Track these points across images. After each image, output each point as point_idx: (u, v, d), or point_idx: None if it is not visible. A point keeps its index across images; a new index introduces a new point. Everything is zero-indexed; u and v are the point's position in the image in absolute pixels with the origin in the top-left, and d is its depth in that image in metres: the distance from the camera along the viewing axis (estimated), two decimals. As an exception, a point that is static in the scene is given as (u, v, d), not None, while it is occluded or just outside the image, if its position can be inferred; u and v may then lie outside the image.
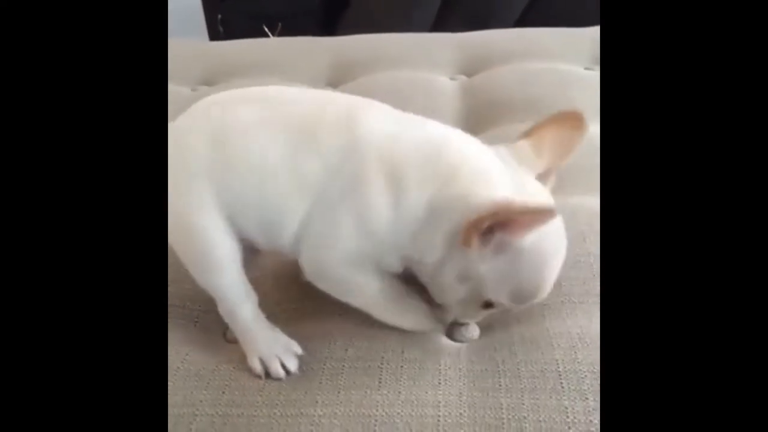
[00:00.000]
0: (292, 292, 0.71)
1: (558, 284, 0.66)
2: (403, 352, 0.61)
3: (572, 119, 0.59)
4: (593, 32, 1.24)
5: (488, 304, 0.58)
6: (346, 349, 0.61)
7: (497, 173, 0.56)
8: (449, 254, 0.55)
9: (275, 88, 0.66)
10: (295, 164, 0.57)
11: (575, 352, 0.58)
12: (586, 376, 0.56)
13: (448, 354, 0.61)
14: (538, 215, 0.52)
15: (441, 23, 1.99)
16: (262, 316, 0.64)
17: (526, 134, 0.60)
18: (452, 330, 0.65)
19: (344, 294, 0.62)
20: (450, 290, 0.58)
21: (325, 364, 0.60)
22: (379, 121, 0.59)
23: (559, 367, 0.57)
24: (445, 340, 0.64)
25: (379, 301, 0.62)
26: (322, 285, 0.61)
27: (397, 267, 0.60)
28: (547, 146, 0.59)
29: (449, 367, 0.59)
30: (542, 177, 0.59)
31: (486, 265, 0.55)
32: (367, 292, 0.61)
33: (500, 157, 0.58)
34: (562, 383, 0.55)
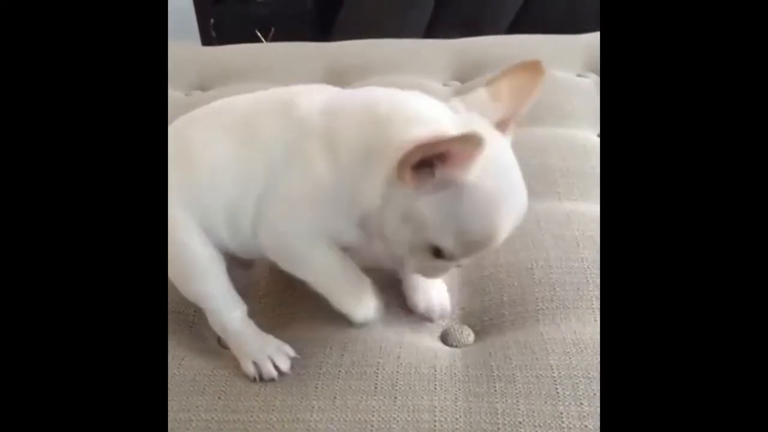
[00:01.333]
0: (286, 298, 0.71)
1: (552, 289, 0.67)
2: (398, 357, 0.61)
3: (531, 67, 0.57)
4: (586, 39, 1.25)
5: (438, 252, 0.55)
6: (342, 355, 0.62)
7: (437, 117, 0.55)
8: (390, 195, 0.54)
9: (222, 100, 0.67)
10: (243, 160, 0.59)
11: (570, 358, 0.58)
12: (580, 381, 0.56)
13: (443, 359, 0.61)
14: (465, 143, 0.48)
15: (434, 26, 2.00)
16: (251, 323, 0.65)
17: (485, 84, 0.58)
18: (446, 335, 0.65)
19: (300, 267, 0.62)
20: (397, 234, 0.56)
21: (320, 370, 0.60)
22: (317, 102, 0.60)
23: (554, 373, 0.57)
24: (440, 345, 0.64)
25: (329, 277, 0.62)
26: (280, 260, 0.62)
27: (354, 235, 0.60)
28: (505, 93, 0.57)
29: (444, 373, 0.59)
30: (501, 125, 0.57)
31: (425, 201, 0.52)
32: (320, 265, 0.61)
33: (450, 107, 0.57)
34: (557, 389, 0.56)
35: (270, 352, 0.62)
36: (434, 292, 0.68)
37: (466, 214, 0.52)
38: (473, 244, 0.54)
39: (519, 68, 0.57)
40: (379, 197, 0.55)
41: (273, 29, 2.11)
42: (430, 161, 0.50)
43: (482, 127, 0.54)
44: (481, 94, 0.57)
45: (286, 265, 0.62)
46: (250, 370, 0.61)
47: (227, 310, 0.63)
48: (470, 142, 0.48)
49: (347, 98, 0.61)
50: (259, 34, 2.08)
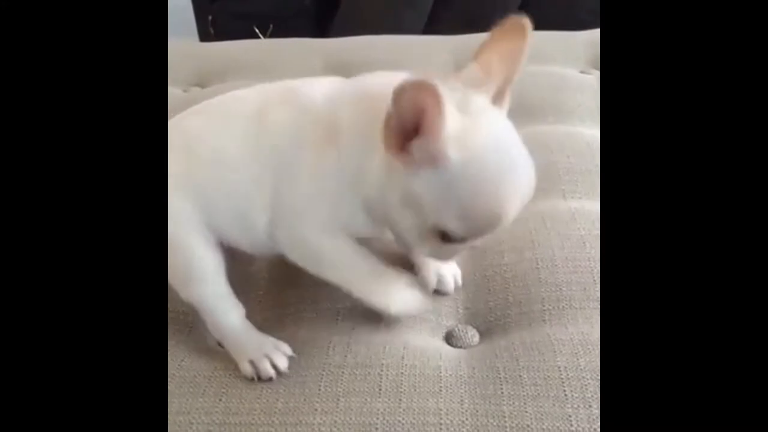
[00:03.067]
0: (287, 298, 0.70)
1: (558, 289, 0.66)
2: (402, 358, 0.60)
3: (515, 28, 0.54)
4: (588, 36, 1.24)
5: (445, 236, 0.53)
6: (345, 356, 0.60)
7: None
8: (388, 178, 0.53)
9: (226, 94, 0.67)
10: (249, 150, 0.59)
11: (578, 359, 0.57)
12: (589, 383, 0.55)
13: (448, 360, 0.60)
14: (418, 91, 0.46)
15: (433, 24, 1.99)
16: (248, 323, 0.64)
17: (474, 57, 0.55)
18: (451, 336, 0.64)
19: (320, 265, 0.61)
20: (402, 221, 0.54)
21: (323, 371, 0.59)
22: (319, 90, 0.60)
23: (561, 374, 0.56)
24: (445, 346, 0.63)
25: (356, 272, 0.61)
26: (299, 259, 0.61)
27: (368, 225, 0.59)
28: (495, 64, 0.54)
29: (450, 374, 0.58)
30: (498, 96, 0.55)
31: (418, 181, 0.51)
32: (341, 259, 0.60)
33: (449, 87, 0.53)
34: (565, 391, 0.55)
35: (267, 351, 0.60)
36: (445, 267, 0.68)
37: (464, 193, 0.50)
38: (479, 224, 0.52)
39: (503, 32, 0.54)
40: (378, 182, 0.54)
41: (271, 26, 2.10)
42: (410, 132, 0.49)
43: (478, 102, 0.52)
44: (473, 69, 0.54)
45: (309, 268, 0.61)
46: (248, 370, 0.60)
47: (224, 312, 0.62)
48: (422, 90, 0.45)
49: (348, 84, 0.61)
50: (257, 31, 2.06)
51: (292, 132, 0.58)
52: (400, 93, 0.46)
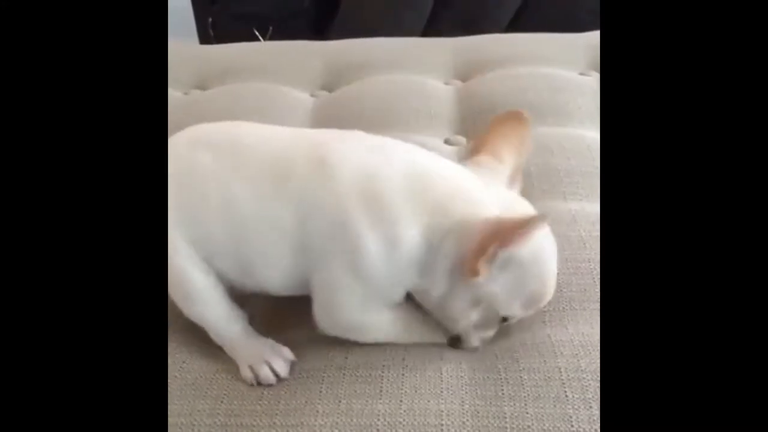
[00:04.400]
0: (289, 299, 0.70)
1: (559, 290, 0.66)
2: (403, 359, 0.60)
3: (513, 119, 0.60)
4: (588, 38, 1.24)
5: (504, 319, 0.59)
6: (346, 357, 0.60)
7: (481, 194, 0.57)
8: (456, 284, 0.56)
9: (237, 128, 0.63)
10: (268, 213, 0.57)
11: (578, 360, 0.57)
12: (590, 384, 0.55)
13: (449, 362, 0.60)
14: (532, 226, 0.52)
15: (433, 26, 1.99)
16: (251, 329, 0.64)
17: (478, 148, 0.61)
18: (452, 337, 0.64)
19: (364, 336, 0.61)
20: (462, 317, 0.58)
21: (324, 373, 0.59)
22: (352, 158, 0.57)
23: (562, 375, 0.56)
24: (445, 348, 0.63)
25: (399, 330, 0.61)
26: (340, 335, 0.61)
27: (403, 295, 0.60)
28: (503, 152, 0.60)
29: (451, 375, 0.58)
30: (510, 182, 0.61)
31: (495, 285, 0.55)
32: (385, 327, 0.61)
33: (476, 174, 0.58)
34: (565, 391, 0.55)
35: (267, 357, 0.60)
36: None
37: (530, 283, 0.56)
38: (538, 302, 0.58)
39: (501, 123, 0.60)
40: (444, 285, 0.56)
41: (271, 28, 2.10)
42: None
43: (515, 199, 0.59)
44: (485, 158, 0.60)
45: (348, 338, 0.61)
46: (247, 374, 0.60)
47: (227, 326, 0.62)
48: (534, 225, 0.51)
49: (380, 156, 0.58)
50: (257, 33, 2.07)
51: (320, 209, 0.56)
52: (520, 236, 0.52)
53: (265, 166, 0.58)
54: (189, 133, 0.63)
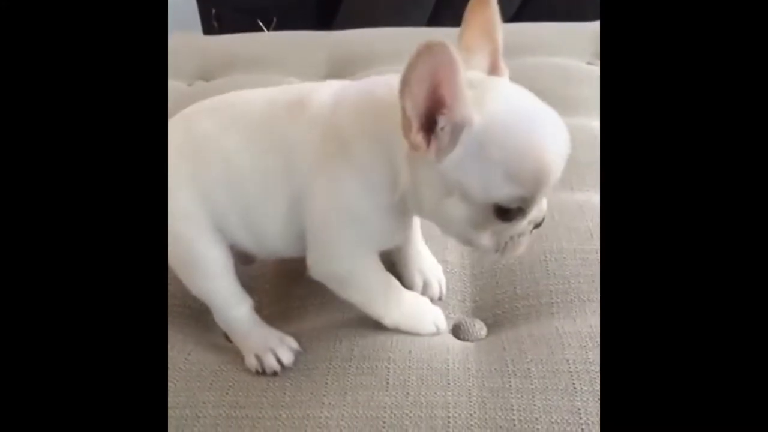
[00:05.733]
0: (293, 291, 0.70)
1: (566, 282, 0.65)
2: (410, 351, 0.59)
3: (479, 3, 0.53)
4: (594, 27, 1.23)
5: (502, 211, 0.50)
6: (352, 349, 0.60)
7: None
8: (418, 176, 0.51)
9: (234, 93, 0.64)
10: (260, 164, 0.57)
11: (586, 352, 0.57)
12: (598, 376, 0.54)
13: (455, 353, 0.60)
14: (426, 55, 0.44)
15: (437, 20, 1.98)
16: (256, 317, 0.64)
17: (458, 44, 0.54)
18: (458, 329, 0.64)
19: (346, 289, 0.61)
20: (452, 213, 0.51)
21: (330, 364, 0.59)
22: (326, 100, 0.57)
23: (570, 367, 0.56)
24: (452, 339, 0.63)
25: (380, 291, 0.61)
26: (326, 281, 0.61)
27: (399, 231, 0.59)
28: (477, 40, 0.53)
29: (457, 367, 0.58)
30: (493, 70, 0.54)
31: (453, 163, 0.48)
32: (369, 280, 0.61)
33: None
34: (574, 384, 0.54)
35: (272, 345, 0.60)
36: (430, 272, 0.68)
37: (500, 152, 0.47)
38: (528, 180, 0.48)
39: (472, 10, 0.53)
40: (410, 184, 0.52)
41: (275, 19, 2.10)
42: (433, 121, 0.47)
43: (477, 75, 0.52)
44: (460, 52, 0.52)
45: (335, 289, 0.61)
46: (253, 363, 0.60)
47: (232, 307, 0.62)
48: (430, 52, 0.44)
49: (350, 89, 0.58)
50: (261, 24, 2.06)
51: (301, 152, 0.56)
52: (412, 67, 0.44)
53: (255, 117, 0.59)
54: (193, 106, 0.64)
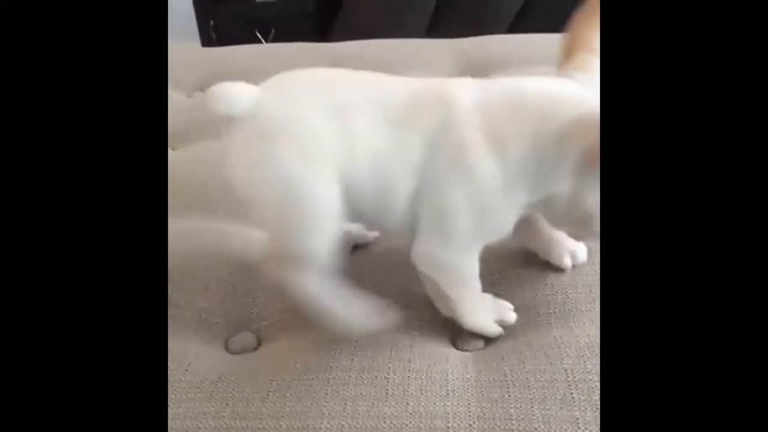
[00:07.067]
0: (291, 300, 0.70)
1: (564, 292, 0.66)
2: (409, 361, 0.60)
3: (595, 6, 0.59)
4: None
5: None
6: (352, 359, 0.60)
7: (580, 93, 0.57)
8: (582, 180, 0.56)
9: (366, 73, 0.66)
10: (399, 145, 0.59)
11: (584, 362, 0.57)
12: (596, 386, 0.55)
13: (454, 363, 0.60)
14: None
15: (435, 26, 1.99)
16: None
17: (571, 48, 0.61)
18: (456, 339, 0.64)
19: (448, 278, 0.62)
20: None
21: (330, 375, 0.59)
22: (470, 92, 0.60)
23: (568, 377, 0.56)
24: (450, 349, 0.63)
25: (475, 290, 0.64)
26: (428, 272, 0.62)
27: (510, 228, 0.61)
28: (585, 47, 0.60)
29: (456, 378, 0.58)
30: None
31: None
32: (467, 278, 0.63)
33: (571, 79, 0.59)
34: (572, 393, 0.55)
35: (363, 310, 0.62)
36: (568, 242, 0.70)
37: None
38: None
39: (587, 11, 0.59)
40: (568, 183, 0.56)
41: (273, 30, 2.11)
42: None
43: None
44: (579, 58, 0.60)
45: (434, 280, 0.62)
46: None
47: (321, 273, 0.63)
48: None
49: (491, 91, 0.61)
50: (259, 36, 2.07)
51: (444, 136, 0.58)
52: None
53: (396, 102, 0.61)
54: (317, 72, 0.66)
